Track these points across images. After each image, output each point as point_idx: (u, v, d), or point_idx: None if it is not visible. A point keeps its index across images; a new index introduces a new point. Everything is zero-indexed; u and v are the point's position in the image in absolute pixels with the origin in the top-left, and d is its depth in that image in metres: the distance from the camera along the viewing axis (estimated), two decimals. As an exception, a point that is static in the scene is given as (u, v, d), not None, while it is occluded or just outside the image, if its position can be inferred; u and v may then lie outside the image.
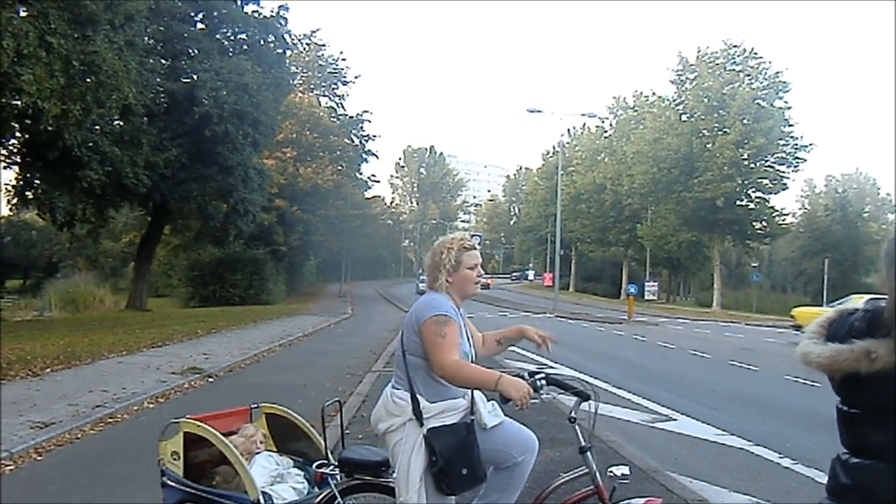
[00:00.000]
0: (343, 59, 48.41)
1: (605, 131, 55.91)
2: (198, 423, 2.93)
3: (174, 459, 2.90)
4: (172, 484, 2.88)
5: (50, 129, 14.37)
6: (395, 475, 2.63)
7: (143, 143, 20.19)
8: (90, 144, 17.66)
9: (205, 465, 2.99)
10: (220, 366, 10.44)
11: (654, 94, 48.37)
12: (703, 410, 8.05)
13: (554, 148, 60.15)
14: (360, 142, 47.94)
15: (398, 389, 2.66)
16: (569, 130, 61.00)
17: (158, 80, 20.74)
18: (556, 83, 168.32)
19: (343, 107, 49.05)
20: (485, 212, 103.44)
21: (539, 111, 32.51)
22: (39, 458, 5.35)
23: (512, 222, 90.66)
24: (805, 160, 39.65)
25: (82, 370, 9.45)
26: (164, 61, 23.20)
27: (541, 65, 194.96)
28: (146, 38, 20.32)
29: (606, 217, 52.20)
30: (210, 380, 9.43)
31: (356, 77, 53.91)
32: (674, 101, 43.22)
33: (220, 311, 24.97)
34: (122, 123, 19.56)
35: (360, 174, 50.67)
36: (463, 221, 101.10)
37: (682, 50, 45.22)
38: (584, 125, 58.67)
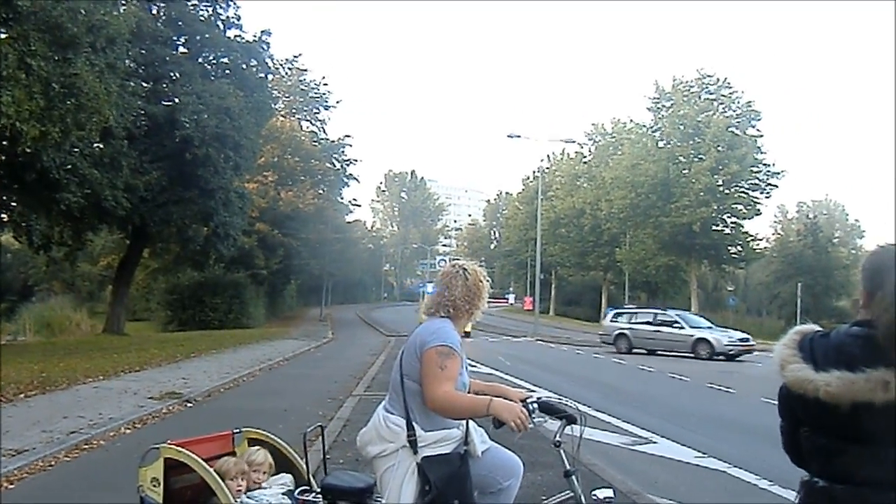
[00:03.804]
0: (325, 84, 48.53)
1: (584, 157, 56.71)
2: (179, 448, 2.87)
3: (154, 486, 2.83)
4: (152, 511, 2.81)
5: (28, 151, 14.13)
6: (381, 502, 2.60)
7: (123, 166, 19.97)
8: (69, 167, 17.39)
9: (184, 491, 2.95)
10: (200, 390, 10.28)
11: (631, 121, 49.33)
12: (682, 433, 8.12)
13: (534, 173, 60.84)
14: (342, 166, 48.04)
15: (393, 414, 2.61)
16: (548, 156, 61.75)
17: (139, 102, 20.61)
18: (535, 109, 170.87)
19: (325, 131, 49.19)
20: (465, 236, 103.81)
21: (518, 136, 32.99)
22: (11, 486, 5.20)
23: (492, 246, 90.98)
24: (777, 186, 40.95)
25: (57, 396, 9.22)
26: (145, 84, 23.11)
27: (521, 91, 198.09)
28: (127, 61, 20.22)
29: (586, 241, 52.67)
30: (189, 405, 9.28)
31: (338, 102, 54.18)
32: (651, 128, 44.22)
33: (200, 335, 24.60)
34: (101, 146, 19.35)
35: (342, 198, 50.67)
36: (444, 245, 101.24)
37: (658, 79, 46.06)
38: (563, 151, 59.44)
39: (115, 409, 8.20)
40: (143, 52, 22.80)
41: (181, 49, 25.80)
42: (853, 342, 1.52)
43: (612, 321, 23.39)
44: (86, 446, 6.54)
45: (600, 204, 47.90)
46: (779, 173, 40.38)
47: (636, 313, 23.31)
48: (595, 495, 2.58)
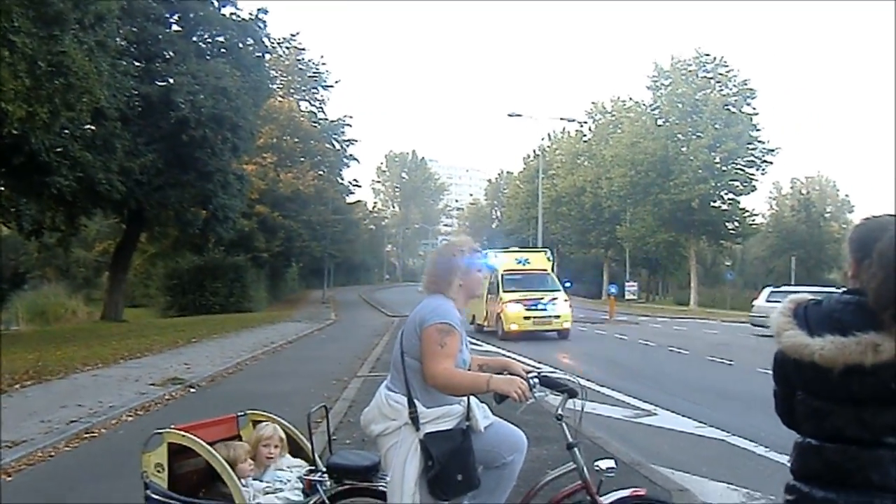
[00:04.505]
0: (323, 63, 47.98)
1: (584, 135, 56.38)
2: (182, 433, 2.84)
3: (158, 471, 2.80)
4: (157, 497, 2.78)
5: (15, 132, 13.64)
6: (386, 479, 2.61)
7: (117, 148, 19.63)
8: (59, 149, 17.04)
9: (190, 476, 2.92)
10: (202, 375, 10.29)
11: (630, 99, 49.07)
12: (682, 404, 8.23)
13: (534, 152, 60.47)
14: (341, 146, 47.72)
15: (394, 392, 2.63)
16: (549, 135, 61.37)
17: (132, 82, 20.20)
18: (535, 88, 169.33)
19: (324, 111, 48.82)
20: (467, 215, 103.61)
21: (519, 115, 32.66)
22: (9, 478, 5.14)
23: (494, 225, 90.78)
24: (771, 163, 40.94)
25: (54, 385, 9.10)
26: (137, 63, 22.71)
27: (521, 70, 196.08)
28: (118, 40, 19.77)
29: (587, 219, 52.58)
30: (192, 390, 9.30)
31: (336, 81, 53.69)
32: (650, 106, 44.09)
33: (201, 319, 24.63)
34: (93, 128, 19.07)
35: (342, 179, 50.44)
36: (445, 225, 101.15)
37: (657, 58, 45.77)
38: (563, 129, 59.07)
39: (115, 397, 8.17)
40: (135, 29, 22.42)
41: (174, 27, 25.39)
42: (844, 308, 1.62)
43: (767, 301, 19.79)
44: (86, 435, 6.48)
45: (601, 182, 47.79)
46: (773, 150, 40.51)
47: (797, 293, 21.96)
48: (597, 466, 2.63)
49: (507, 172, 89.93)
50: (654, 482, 4.53)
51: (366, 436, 2.81)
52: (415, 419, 2.53)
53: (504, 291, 17.61)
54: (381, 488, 2.69)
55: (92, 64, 14.47)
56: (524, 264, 19.21)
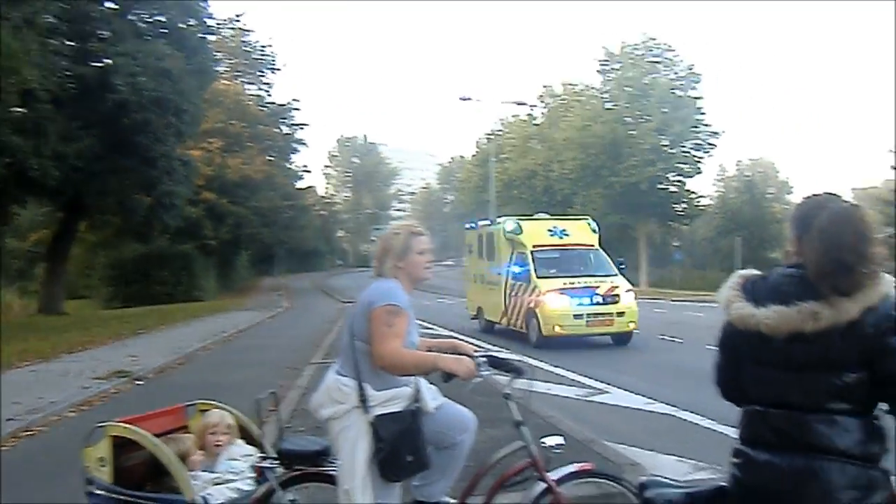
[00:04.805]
0: (269, 45, 46.63)
1: (535, 119, 56.87)
2: (125, 425, 2.77)
3: (101, 466, 2.72)
4: (100, 492, 2.71)
5: None
6: (337, 463, 2.61)
7: (50, 132, 18.52)
8: (-16, 134, 16.09)
9: (137, 468, 2.83)
10: (150, 367, 9.98)
11: (581, 83, 49.68)
12: (635, 382, 8.47)
13: (487, 136, 60.65)
14: (290, 131, 46.70)
15: (343, 376, 2.63)
16: (501, 119, 61.63)
17: (65, 63, 19.11)
18: (487, 72, 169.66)
19: (270, 95, 47.61)
20: (420, 200, 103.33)
21: (469, 99, 32.73)
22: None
23: (446, 210, 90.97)
24: (716, 146, 42.50)
25: (-13, 382, 8.61)
26: (70, 43, 21.47)
27: (473, 54, 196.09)
28: (47, 16, 18.70)
29: (539, 202, 53.08)
30: (139, 383, 9.00)
31: (284, 65, 52.45)
32: (600, 90, 44.78)
33: (147, 310, 23.86)
34: (23, 110, 18.02)
35: (291, 164, 49.48)
36: (397, 210, 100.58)
37: (608, 42, 46.63)
38: (515, 114, 59.41)
39: (56, 393, 7.81)
40: (66, 6, 21.16)
41: (109, 4, 24.12)
42: (787, 281, 1.74)
43: None
44: (24, 433, 6.18)
45: (552, 165, 48.39)
46: (717, 133, 41.95)
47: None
48: (544, 442, 2.70)
49: (461, 157, 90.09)
50: (604, 457, 4.64)
51: (318, 422, 2.79)
52: (364, 402, 2.54)
53: (539, 277, 12.51)
54: (332, 472, 2.69)
55: (18, 42, 13.64)
56: (561, 237, 13.56)
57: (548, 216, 16.19)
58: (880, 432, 1.69)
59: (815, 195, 1.83)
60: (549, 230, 13.72)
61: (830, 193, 1.80)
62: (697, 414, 6.48)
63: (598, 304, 12.17)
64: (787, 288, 1.71)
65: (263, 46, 46.60)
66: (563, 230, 13.84)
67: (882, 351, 1.62)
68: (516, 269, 13.20)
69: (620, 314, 12.27)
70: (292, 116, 46.70)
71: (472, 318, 15.93)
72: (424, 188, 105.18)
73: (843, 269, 1.63)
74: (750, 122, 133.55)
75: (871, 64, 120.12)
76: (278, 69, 47.37)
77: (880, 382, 1.64)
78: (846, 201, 1.76)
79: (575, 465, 2.81)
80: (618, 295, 12.38)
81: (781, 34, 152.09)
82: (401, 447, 2.52)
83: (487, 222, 16.62)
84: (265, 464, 2.83)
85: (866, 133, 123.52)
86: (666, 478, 2.11)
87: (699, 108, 41.61)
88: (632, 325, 12.39)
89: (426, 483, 2.75)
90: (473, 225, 17.15)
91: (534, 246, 13.09)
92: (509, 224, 14.01)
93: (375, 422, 2.51)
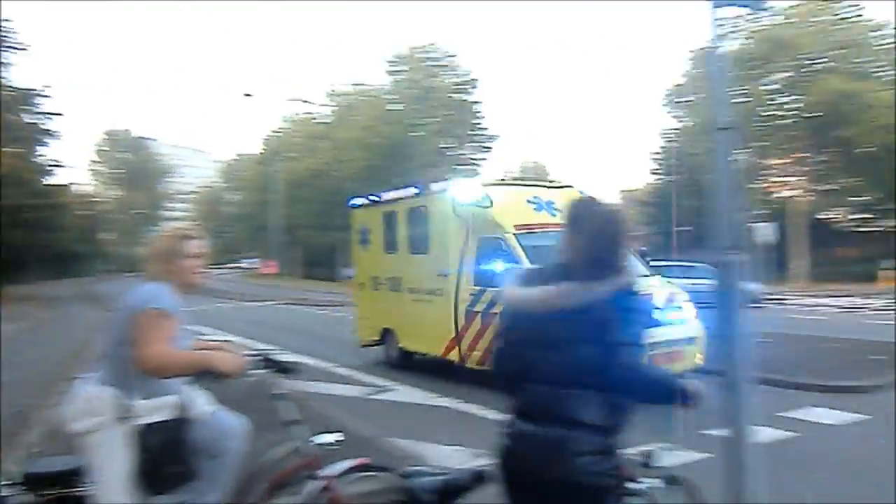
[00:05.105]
0: (9, 21, 39.32)
1: (322, 118, 56.49)
2: None
3: None
4: None
5: None
6: (93, 481, 2.46)
7: None
8: None
9: None
10: None
11: (370, 83, 50.66)
12: (418, 380, 8.71)
13: (272, 134, 58.62)
14: (36, 120, 40.21)
15: (101, 385, 2.48)
16: (287, 118, 60.02)
17: None
18: (273, 70, 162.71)
19: (10, 80, 40.30)
20: (200, 199, 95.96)
21: (250, 95, 31.61)
22: None
23: (229, 210, 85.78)
24: (491, 149, 46.76)
25: None
26: None
27: (259, 52, 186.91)
28: None
29: (326, 202, 52.95)
30: None
31: (28, 46, 44.79)
32: (386, 91, 46.12)
33: None
34: None
35: (41, 158, 42.64)
36: (174, 210, 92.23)
37: (395, 44, 48.35)
38: (304, 112, 58.33)
39: None
40: None
41: None
42: (554, 269, 2.03)
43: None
44: None
45: (339, 165, 48.59)
46: (494, 137, 46.16)
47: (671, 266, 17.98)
48: (314, 441, 2.70)
49: (246, 155, 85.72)
50: (383, 452, 4.86)
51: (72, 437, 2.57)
52: (124, 412, 2.43)
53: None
54: (85, 493, 2.50)
55: None
56: (552, 213, 8.15)
57: (525, 180, 11.98)
58: (621, 406, 1.93)
59: (583, 198, 2.14)
60: (532, 202, 8.55)
61: (592, 197, 2.14)
62: (477, 405, 6.90)
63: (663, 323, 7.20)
64: (553, 273, 1.98)
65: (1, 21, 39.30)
66: (551, 202, 8.52)
67: (615, 326, 1.89)
68: (486, 268, 7.96)
69: (691, 341, 7.42)
70: (40, 104, 40.32)
71: (367, 345, 10.45)
72: (206, 187, 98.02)
73: (603, 262, 1.94)
74: (526, 128, 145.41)
75: (643, 78, 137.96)
76: (22, 49, 40.33)
77: (608, 355, 1.88)
78: (610, 204, 2.09)
79: (351, 461, 2.80)
80: (678, 310, 7.65)
81: (557, 43, 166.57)
82: (163, 458, 2.43)
83: (413, 191, 9.66)
84: (5, 492, 2.55)
85: (634, 141, 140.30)
86: (429, 467, 2.34)
87: (477, 113, 45.13)
88: (698, 360, 7.39)
89: (196, 495, 2.64)
90: (374, 199, 10.78)
91: (516, 227, 7.98)
92: (466, 191, 8.41)
93: (137, 432, 2.41)
